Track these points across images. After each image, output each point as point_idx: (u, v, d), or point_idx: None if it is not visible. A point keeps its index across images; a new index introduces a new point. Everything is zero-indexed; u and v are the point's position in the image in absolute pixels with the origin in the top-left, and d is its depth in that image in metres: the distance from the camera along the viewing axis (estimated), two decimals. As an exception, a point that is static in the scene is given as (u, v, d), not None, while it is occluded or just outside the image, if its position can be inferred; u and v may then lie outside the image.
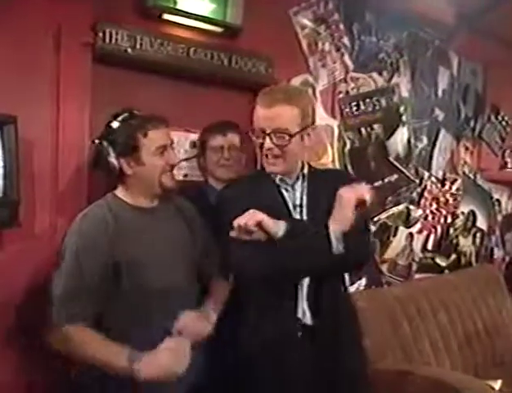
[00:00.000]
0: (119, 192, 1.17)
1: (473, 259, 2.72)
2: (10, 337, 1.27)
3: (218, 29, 1.65)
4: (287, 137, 1.08)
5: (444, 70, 2.44)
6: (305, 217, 1.15)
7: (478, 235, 2.75)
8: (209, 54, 1.62)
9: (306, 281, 1.13)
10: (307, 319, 1.12)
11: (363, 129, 2.08)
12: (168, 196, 1.21)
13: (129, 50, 1.45)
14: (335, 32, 1.98)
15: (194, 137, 1.73)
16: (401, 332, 1.94)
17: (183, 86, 1.67)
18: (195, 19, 1.57)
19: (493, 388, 1.67)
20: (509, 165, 2.78)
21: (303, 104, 1.12)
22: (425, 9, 2.09)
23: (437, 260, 2.49)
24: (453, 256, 2.59)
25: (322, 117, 1.94)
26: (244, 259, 1.05)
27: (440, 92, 2.43)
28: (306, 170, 1.20)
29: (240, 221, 0.98)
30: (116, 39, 1.42)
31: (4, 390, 1.27)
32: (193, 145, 1.76)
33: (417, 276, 2.37)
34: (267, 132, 1.08)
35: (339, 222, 1.03)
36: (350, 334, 1.20)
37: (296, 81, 1.88)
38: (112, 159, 1.11)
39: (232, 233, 1.00)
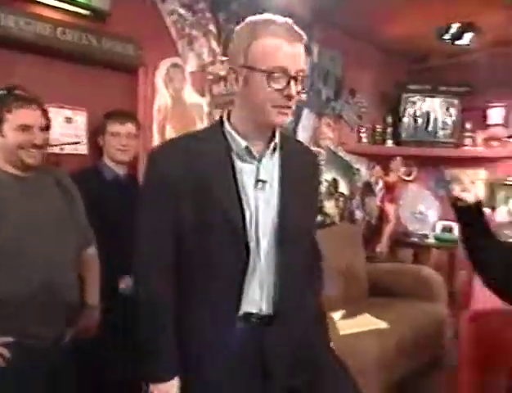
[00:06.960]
0: None
1: (337, 219, 3.39)
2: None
3: (86, 12, 1.91)
4: (303, 82, 0.94)
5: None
6: (276, 200, 0.99)
7: (341, 199, 3.42)
8: (77, 35, 1.89)
9: None
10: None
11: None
12: (48, 168, 1.39)
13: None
14: (202, 19, 2.35)
15: (68, 113, 1.98)
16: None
17: (55, 64, 1.91)
18: (62, 0, 1.82)
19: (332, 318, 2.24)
20: (363, 140, 3.50)
21: None
22: (285, 3, 2.56)
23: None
24: (319, 217, 3.20)
25: (192, 97, 2.31)
26: None
27: (301, 76, 2.96)
28: (277, 135, 1.00)
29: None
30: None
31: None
32: (68, 120, 2.01)
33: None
34: (292, 74, 0.90)
35: None
36: None
37: (165, 63, 2.22)
38: None
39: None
